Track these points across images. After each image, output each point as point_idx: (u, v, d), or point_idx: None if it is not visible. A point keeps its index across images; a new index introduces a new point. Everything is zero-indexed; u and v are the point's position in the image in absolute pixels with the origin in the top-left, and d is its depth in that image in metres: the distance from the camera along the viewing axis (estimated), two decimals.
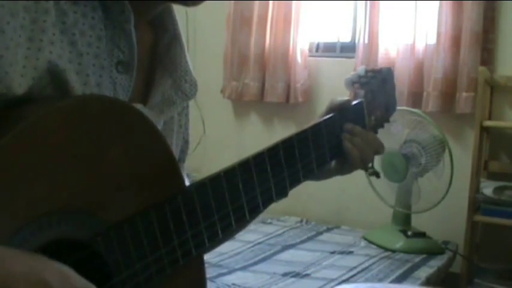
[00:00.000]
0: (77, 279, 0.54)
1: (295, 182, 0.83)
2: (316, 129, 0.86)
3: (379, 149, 0.94)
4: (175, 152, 0.83)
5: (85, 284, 0.55)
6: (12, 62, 0.57)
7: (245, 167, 0.75)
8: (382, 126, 1.03)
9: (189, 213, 0.69)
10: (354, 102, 0.95)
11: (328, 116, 0.90)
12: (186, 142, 0.86)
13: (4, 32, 0.57)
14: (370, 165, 0.95)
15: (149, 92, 0.75)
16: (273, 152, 0.79)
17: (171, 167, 0.69)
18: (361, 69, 1.01)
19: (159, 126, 0.74)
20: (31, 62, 0.59)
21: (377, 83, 1.00)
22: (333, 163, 0.93)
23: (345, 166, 0.92)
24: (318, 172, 0.88)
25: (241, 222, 0.76)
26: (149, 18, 0.75)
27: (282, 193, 0.82)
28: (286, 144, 0.81)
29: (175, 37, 0.78)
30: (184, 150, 0.86)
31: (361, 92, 0.97)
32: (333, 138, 0.89)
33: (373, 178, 2.91)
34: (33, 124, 0.56)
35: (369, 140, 0.92)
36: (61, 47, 0.61)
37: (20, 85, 0.58)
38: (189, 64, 0.79)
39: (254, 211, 0.77)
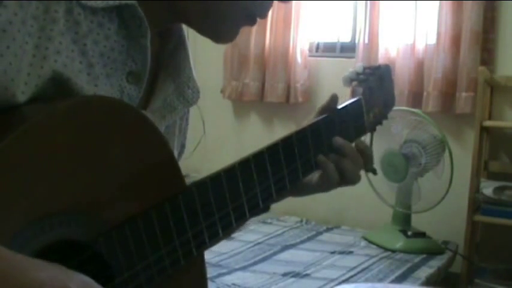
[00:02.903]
0: None
1: (295, 180, 0.83)
2: (315, 128, 0.86)
3: (367, 165, 0.92)
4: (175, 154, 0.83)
5: None
6: (19, 69, 0.58)
7: (245, 165, 0.75)
8: (380, 123, 1.04)
9: (189, 213, 0.69)
10: (352, 100, 0.95)
11: (327, 114, 0.90)
12: (182, 146, 0.87)
13: (14, 40, 0.57)
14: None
15: (151, 96, 0.75)
16: (272, 150, 0.79)
17: (172, 167, 0.69)
18: (359, 66, 1.02)
19: (161, 131, 0.75)
20: (35, 69, 0.59)
21: (375, 80, 1.01)
22: (315, 179, 0.90)
23: (326, 184, 0.89)
24: (301, 185, 0.87)
25: (242, 221, 0.76)
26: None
27: (282, 191, 0.81)
28: (286, 143, 0.81)
29: (181, 42, 0.78)
30: (180, 154, 0.87)
31: (360, 89, 0.97)
32: (331, 137, 0.89)
33: (373, 178, 2.91)
34: (35, 125, 0.56)
35: (355, 158, 0.89)
36: (68, 57, 0.61)
37: (23, 92, 0.58)
38: (192, 70, 0.79)
39: (254, 209, 0.77)
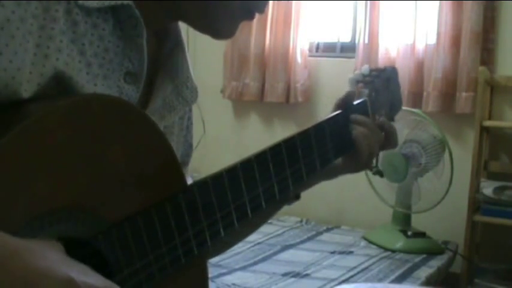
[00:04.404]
0: (97, 277, 0.54)
1: (298, 180, 0.83)
2: (319, 128, 0.86)
3: (382, 141, 0.94)
4: (177, 154, 0.83)
5: (105, 282, 0.54)
6: (20, 67, 0.58)
7: (247, 165, 0.75)
8: None
9: (190, 212, 0.69)
10: (358, 101, 0.95)
11: (332, 115, 0.90)
12: (190, 145, 0.86)
13: (14, 38, 0.57)
14: (374, 164, 0.95)
15: (150, 97, 0.75)
16: (275, 150, 0.79)
17: (173, 165, 0.69)
18: (365, 68, 1.02)
19: None
20: (37, 68, 0.59)
21: (381, 82, 1.01)
22: (341, 161, 0.92)
23: (354, 161, 0.91)
24: (323, 170, 0.88)
25: (244, 222, 0.76)
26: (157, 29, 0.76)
27: (285, 191, 0.81)
28: (289, 143, 0.81)
29: (178, 43, 0.78)
30: (188, 154, 0.87)
31: (365, 91, 0.97)
32: (336, 136, 0.89)
33: (373, 178, 2.91)
34: (36, 122, 0.56)
35: (374, 129, 0.92)
36: (69, 55, 0.62)
37: (25, 90, 0.59)
38: (190, 70, 0.79)
39: (256, 210, 0.77)
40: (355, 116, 0.92)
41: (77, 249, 0.60)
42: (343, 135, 0.90)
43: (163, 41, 0.77)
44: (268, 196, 0.78)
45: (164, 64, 0.77)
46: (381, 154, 2.84)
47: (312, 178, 0.88)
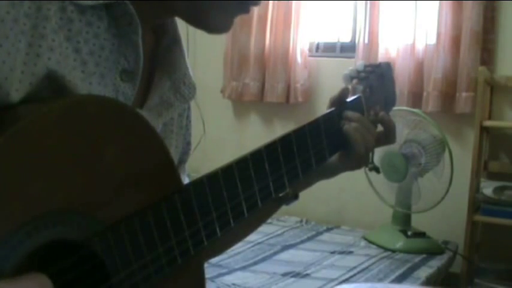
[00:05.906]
0: None
1: (294, 178, 0.83)
2: (314, 125, 0.86)
3: (376, 136, 0.94)
4: (176, 153, 0.83)
5: None
6: (12, 67, 0.57)
7: (243, 164, 0.75)
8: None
9: (186, 212, 0.68)
10: (353, 98, 0.95)
11: (326, 112, 0.90)
12: (188, 143, 0.86)
13: (8, 38, 0.57)
14: (370, 160, 0.95)
15: (147, 94, 0.75)
16: (270, 149, 0.79)
17: (168, 167, 0.68)
18: (359, 64, 1.01)
19: (158, 129, 0.74)
20: (29, 67, 0.59)
21: (376, 78, 1.00)
22: (338, 158, 0.92)
23: (350, 157, 0.91)
24: (319, 168, 0.88)
25: (241, 221, 0.75)
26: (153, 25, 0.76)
27: (281, 190, 0.81)
28: (284, 141, 0.81)
29: (175, 40, 0.78)
30: (186, 152, 0.86)
31: (360, 87, 0.97)
32: (331, 133, 0.88)
33: (373, 178, 2.91)
34: (30, 124, 0.55)
35: (367, 125, 0.92)
36: (61, 54, 0.61)
37: (17, 90, 0.58)
38: (188, 67, 0.78)
39: (252, 209, 0.76)
40: (346, 113, 0.91)
41: (73, 252, 0.60)
42: (338, 132, 0.90)
43: (160, 37, 0.77)
44: (264, 195, 0.78)
45: (162, 61, 0.76)
46: (381, 153, 2.87)
47: (309, 176, 0.87)
